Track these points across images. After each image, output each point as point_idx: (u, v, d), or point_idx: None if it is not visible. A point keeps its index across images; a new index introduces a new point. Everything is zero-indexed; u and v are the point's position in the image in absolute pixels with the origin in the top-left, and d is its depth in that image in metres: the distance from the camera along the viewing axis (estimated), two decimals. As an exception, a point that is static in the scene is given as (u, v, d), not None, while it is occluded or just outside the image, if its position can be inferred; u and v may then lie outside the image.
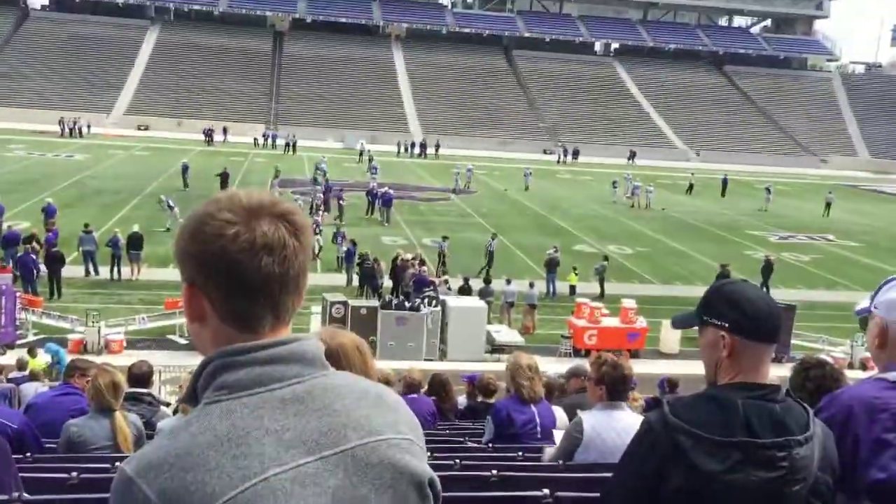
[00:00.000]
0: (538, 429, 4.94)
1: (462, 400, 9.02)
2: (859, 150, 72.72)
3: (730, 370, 1.89)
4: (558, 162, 58.11)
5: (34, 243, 20.12)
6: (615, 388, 3.93)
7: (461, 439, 5.74)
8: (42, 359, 13.10)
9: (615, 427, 3.79)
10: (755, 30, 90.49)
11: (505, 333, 18.19)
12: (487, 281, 20.31)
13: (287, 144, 51.72)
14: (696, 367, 2.03)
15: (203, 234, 1.16)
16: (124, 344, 16.41)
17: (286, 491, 1.05)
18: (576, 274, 22.38)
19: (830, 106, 78.68)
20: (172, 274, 19.35)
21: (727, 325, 1.88)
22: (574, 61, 78.91)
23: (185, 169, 35.24)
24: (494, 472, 3.09)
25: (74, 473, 3.24)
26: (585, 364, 6.06)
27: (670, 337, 18.01)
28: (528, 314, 19.46)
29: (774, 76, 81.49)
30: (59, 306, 18.37)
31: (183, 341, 16.55)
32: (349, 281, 21.78)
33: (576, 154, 59.78)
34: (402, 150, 56.00)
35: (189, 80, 67.64)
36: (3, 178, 34.40)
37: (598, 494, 2.16)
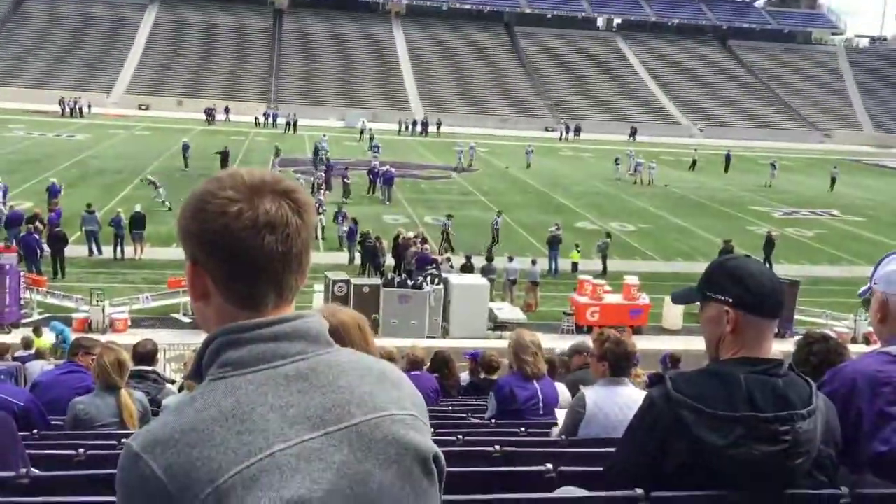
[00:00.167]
0: (540, 405, 4.96)
1: (465, 377, 9.07)
2: (863, 125, 72.26)
3: (733, 345, 1.89)
4: (560, 139, 57.84)
5: (37, 223, 20.16)
6: (618, 364, 3.94)
7: (464, 415, 5.78)
8: (47, 338, 13.19)
9: (617, 402, 3.81)
10: (759, 3, 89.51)
11: (507, 311, 18.23)
12: (489, 259, 20.31)
13: (288, 123, 51.54)
14: (699, 343, 2.03)
15: (205, 213, 1.15)
16: (129, 323, 16.49)
17: (291, 466, 1.06)
18: (578, 251, 22.38)
19: (835, 80, 78.07)
20: (175, 253, 19.39)
21: (731, 300, 1.87)
22: (576, 37, 78.24)
23: (185, 148, 35.16)
24: (497, 447, 3.11)
25: (81, 450, 3.27)
26: (588, 340, 6.08)
27: (673, 313, 18.04)
28: (531, 291, 19.49)
29: (779, 50, 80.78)
30: (64, 286, 18.44)
31: (187, 320, 16.62)
32: (351, 259, 21.80)
33: (578, 131, 59.47)
34: (404, 128, 55.76)
35: (189, 59, 67.24)
36: (4, 158, 34.36)
37: (601, 469, 2.18)
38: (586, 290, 18.38)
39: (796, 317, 17.74)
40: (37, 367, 9.29)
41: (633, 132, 60.19)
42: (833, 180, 40.92)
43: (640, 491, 1.89)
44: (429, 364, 8.22)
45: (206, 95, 60.32)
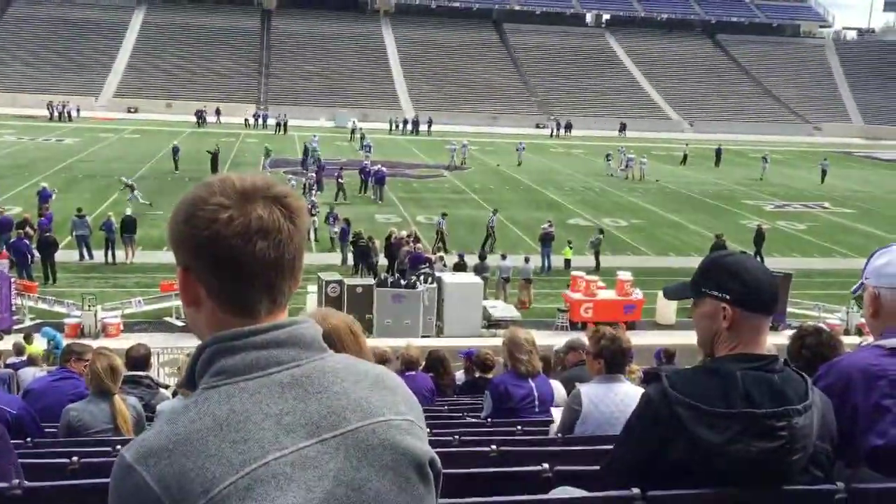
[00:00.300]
0: (536, 403, 4.96)
1: (460, 376, 9.07)
2: (853, 117, 72.60)
3: (729, 341, 1.89)
4: (551, 136, 57.90)
5: (27, 228, 20.03)
6: (614, 360, 3.94)
7: (460, 415, 5.77)
8: (39, 344, 13.11)
9: (613, 399, 3.81)
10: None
11: (501, 309, 18.25)
12: (483, 257, 20.32)
13: (278, 124, 51.40)
14: (693, 338, 2.03)
15: (196, 219, 1.14)
16: (121, 327, 16.41)
17: (287, 475, 1.05)
18: (570, 248, 22.40)
19: (824, 73, 78.41)
20: (166, 256, 19.30)
21: (728, 296, 1.87)
22: (565, 33, 78.31)
23: (175, 151, 35.00)
24: (494, 447, 3.10)
25: (75, 458, 3.25)
26: (582, 337, 6.08)
27: (666, 308, 18.09)
28: (524, 289, 19.51)
29: (767, 44, 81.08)
30: (55, 291, 18.34)
31: (180, 323, 16.56)
32: (344, 260, 21.76)
33: (569, 127, 59.54)
34: (395, 127, 55.70)
35: (177, 62, 66.95)
36: (-8, 163, 34.13)
37: (597, 468, 2.17)
38: (580, 286, 18.41)
39: (789, 309, 17.81)
40: (29, 374, 9.23)
41: (623, 128, 60.31)
42: (824, 173, 41.11)
43: (636, 490, 1.89)
44: (424, 364, 8.21)
45: (194, 98, 60.08)
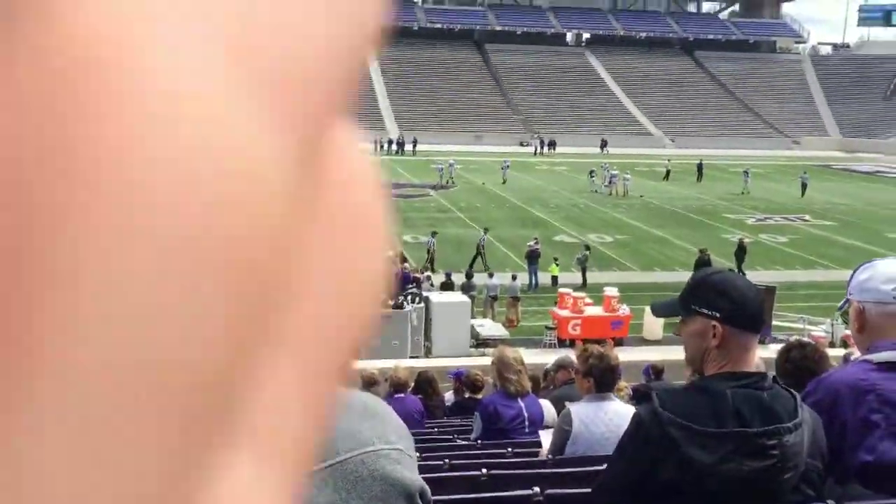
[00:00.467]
0: (526, 423, 4.94)
1: (449, 396, 9.03)
2: (830, 131, 73.66)
3: (718, 359, 1.89)
4: (535, 153, 58.25)
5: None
6: (603, 379, 3.94)
7: (450, 437, 5.74)
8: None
9: (603, 418, 3.80)
10: (724, 15, 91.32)
11: (489, 327, 18.21)
12: (469, 275, 20.32)
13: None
14: (681, 353, 2.03)
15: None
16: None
17: (275, 511, 1.03)
18: (557, 265, 22.47)
19: (801, 87, 79.62)
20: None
21: (718, 314, 1.88)
22: (546, 53, 79.11)
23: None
24: (484, 470, 3.08)
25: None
26: (571, 355, 6.08)
27: (653, 324, 18.13)
28: (512, 307, 19.50)
29: (745, 60, 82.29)
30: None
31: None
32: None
33: (552, 145, 59.94)
34: (379, 147, 55.83)
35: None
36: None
37: (588, 490, 2.16)
38: (567, 303, 18.43)
39: (774, 322, 17.91)
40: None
41: (604, 144, 60.74)
42: (804, 186, 41.58)
43: (628, 512, 1.88)
44: (412, 385, 8.16)
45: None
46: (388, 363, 12.30)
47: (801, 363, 3.28)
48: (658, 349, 16.65)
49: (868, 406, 2.04)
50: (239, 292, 0.13)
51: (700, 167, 46.19)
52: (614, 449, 1.98)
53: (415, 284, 18.70)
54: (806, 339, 4.96)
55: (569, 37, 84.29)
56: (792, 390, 1.90)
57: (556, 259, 22.72)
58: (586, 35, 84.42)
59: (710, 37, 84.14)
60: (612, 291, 18.78)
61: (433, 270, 22.71)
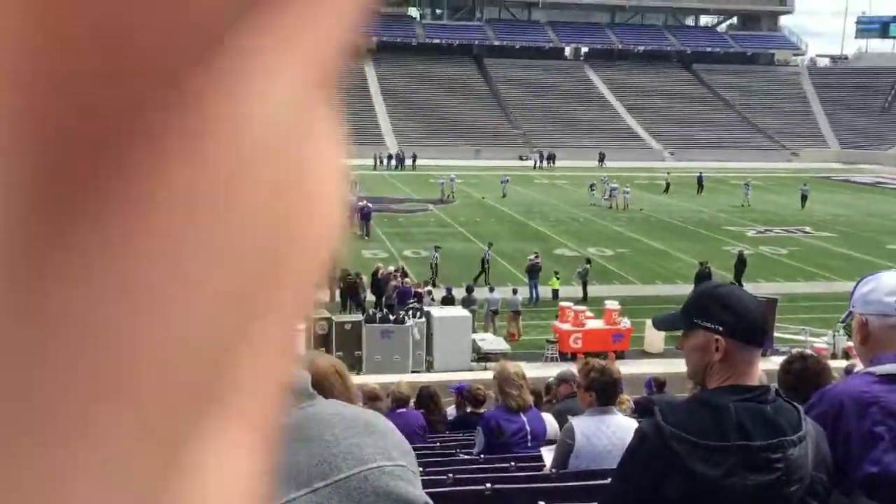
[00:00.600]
0: (528, 437, 4.93)
1: (451, 411, 8.99)
2: (829, 142, 73.82)
3: (721, 373, 1.89)
4: (535, 167, 58.37)
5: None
6: (605, 392, 3.93)
7: (453, 451, 5.71)
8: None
9: (605, 432, 3.79)
10: (721, 28, 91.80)
11: (490, 341, 18.18)
12: (470, 290, 20.31)
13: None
14: (682, 366, 2.03)
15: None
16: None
17: (278, 528, 1.03)
18: (557, 278, 22.45)
19: (799, 100, 79.89)
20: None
21: (721, 328, 1.88)
22: (545, 67, 79.48)
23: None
24: (488, 485, 3.07)
25: None
26: (573, 368, 6.07)
27: (655, 336, 18.09)
28: (513, 321, 19.48)
29: (743, 73, 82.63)
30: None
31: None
32: (332, 297, 21.66)
33: (552, 158, 60.07)
34: (379, 162, 55.95)
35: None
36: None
37: (593, 504, 2.15)
38: (568, 316, 18.41)
39: (775, 334, 17.86)
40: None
41: (602, 158, 60.78)
42: (804, 198, 41.62)
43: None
44: (414, 400, 8.14)
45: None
46: (390, 378, 12.29)
47: (802, 375, 3.28)
48: (660, 362, 16.61)
49: (871, 418, 2.03)
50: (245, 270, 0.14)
51: (700, 179, 46.26)
52: (618, 464, 1.97)
53: (416, 299, 18.68)
54: (808, 351, 4.95)
55: (567, 51, 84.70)
56: (795, 403, 1.90)
57: (556, 273, 22.70)
58: (585, 49, 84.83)
59: (709, 50, 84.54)
60: (613, 305, 18.76)
61: (435, 285, 22.70)
